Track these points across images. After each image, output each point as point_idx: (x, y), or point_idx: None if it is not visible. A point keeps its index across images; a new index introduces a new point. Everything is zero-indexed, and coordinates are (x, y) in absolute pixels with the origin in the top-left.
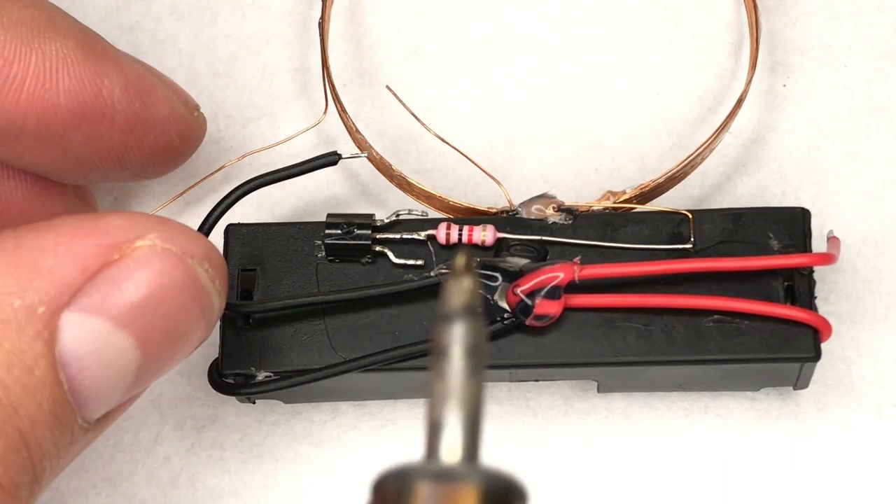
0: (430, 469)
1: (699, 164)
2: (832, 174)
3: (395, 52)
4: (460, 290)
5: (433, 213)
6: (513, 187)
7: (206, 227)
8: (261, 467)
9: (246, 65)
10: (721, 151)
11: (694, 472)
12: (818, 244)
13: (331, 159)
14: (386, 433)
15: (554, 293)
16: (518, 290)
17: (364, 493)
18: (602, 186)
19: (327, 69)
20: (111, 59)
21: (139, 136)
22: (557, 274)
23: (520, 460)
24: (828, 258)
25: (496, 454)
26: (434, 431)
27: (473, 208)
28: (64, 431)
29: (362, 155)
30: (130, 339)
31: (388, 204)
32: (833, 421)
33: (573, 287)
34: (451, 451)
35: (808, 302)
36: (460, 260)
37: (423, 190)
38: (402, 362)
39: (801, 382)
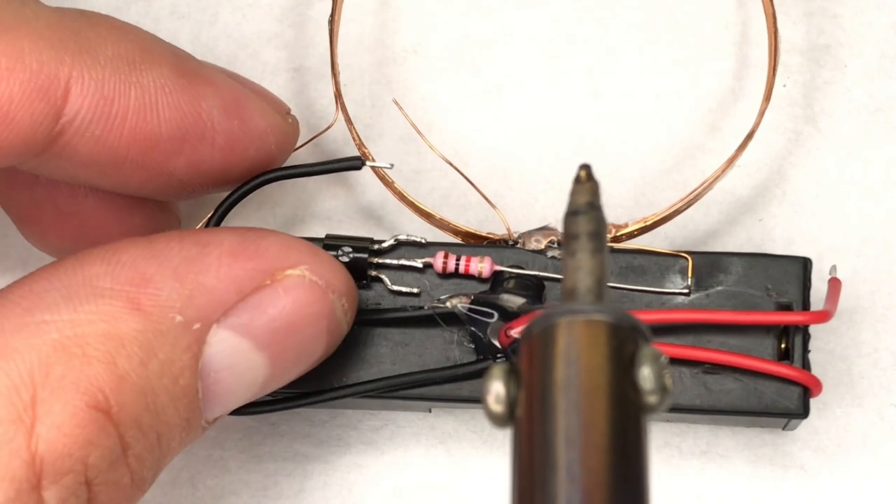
0: (568, 308)
1: (703, 195)
2: (832, 174)
3: (396, 52)
4: (584, 190)
5: (432, 237)
6: (512, 186)
7: (215, 220)
8: (261, 467)
9: (246, 65)
10: None
11: (693, 472)
12: (819, 281)
13: (354, 164)
14: (386, 433)
15: None
16: (511, 332)
17: (365, 495)
18: (602, 187)
19: (336, 74)
20: (206, 79)
21: (240, 152)
22: None
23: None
24: (823, 316)
25: (494, 476)
26: (568, 293)
27: (473, 233)
28: (189, 433)
29: (388, 166)
30: (265, 359)
31: (387, 206)
32: (833, 421)
33: None
34: (583, 300)
35: (802, 356)
36: (583, 171)
37: (423, 210)
38: (396, 391)
39: (789, 427)
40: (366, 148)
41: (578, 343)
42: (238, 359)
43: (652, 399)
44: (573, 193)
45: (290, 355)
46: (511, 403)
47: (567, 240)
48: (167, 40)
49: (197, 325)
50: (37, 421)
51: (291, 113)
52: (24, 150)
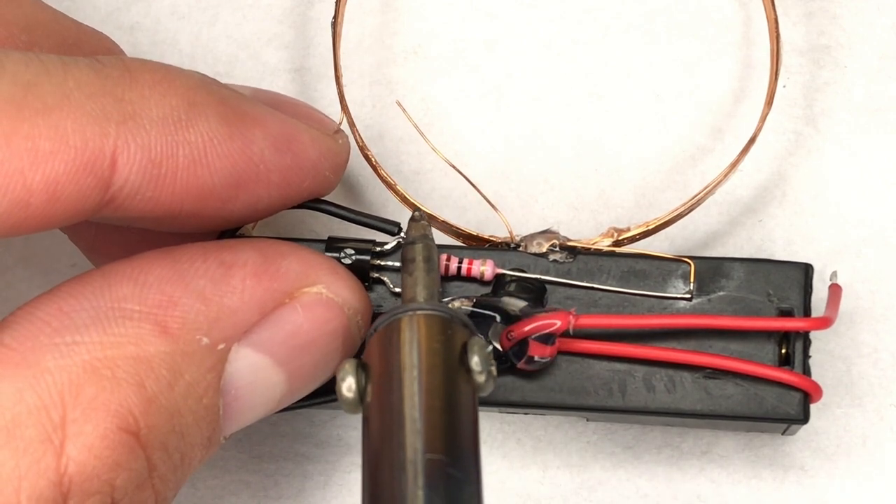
0: (409, 307)
1: (706, 199)
2: (832, 175)
3: (396, 53)
4: (418, 227)
5: (434, 239)
6: (512, 187)
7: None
8: (261, 467)
9: (246, 65)
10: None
11: (693, 472)
12: (819, 282)
13: (390, 229)
14: None
15: (548, 339)
16: (513, 335)
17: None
18: (601, 187)
19: (339, 77)
20: (254, 121)
21: (296, 185)
22: (554, 322)
23: (515, 479)
24: (824, 322)
25: (494, 476)
26: (409, 301)
27: (475, 235)
28: (209, 450)
29: (429, 239)
30: (283, 375)
31: (389, 207)
32: (833, 422)
33: (567, 332)
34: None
35: (802, 362)
36: (416, 213)
37: (426, 212)
38: None
39: (789, 432)
40: (369, 151)
41: (419, 332)
42: (258, 375)
43: (481, 378)
44: (409, 229)
45: (307, 371)
46: (361, 391)
47: (405, 263)
48: (167, 41)
49: (221, 346)
50: (66, 441)
51: (340, 128)
52: (75, 217)
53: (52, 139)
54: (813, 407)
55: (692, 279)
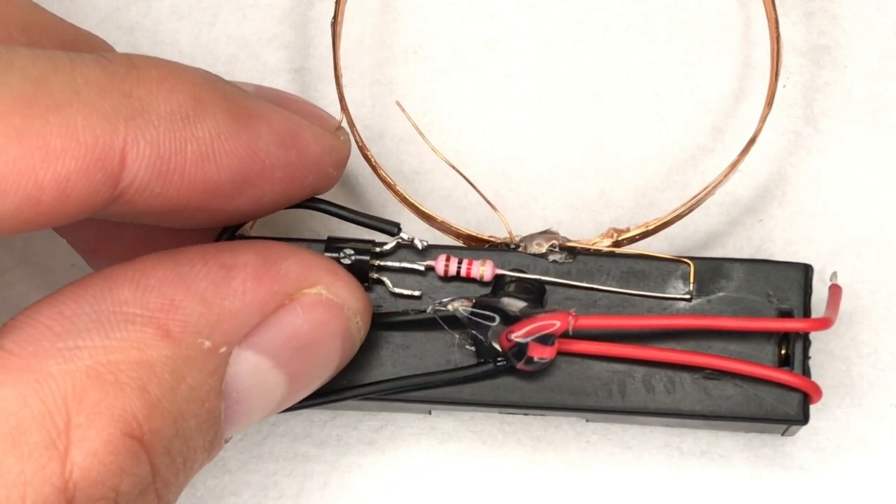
0: None
1: (705, 199)
2: (832, 174)
3: (396, 53)
4: None
5: (433, 239)
6: (513, 187)
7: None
8: (261, 467)
9: (246, 65)
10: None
11: (693, 472)
12: (818, 282)
13: (390, 229)
14: (386, 433)
15: (547, 339)
16: (512, 336)
17: (365, 495)
18: (601, 187)
19: (338, 77)
20: (259, 117)
21: (300, 181)
22: (553, 322)
23: (515, 479)
24: (824, 323)
25: (494, 476)
26: None
27: (474, 236)
28: (211, 453)
29: (424, 243)
30: (284, 377)
31: (388, 207)
32: (833, 421)
33: (566, 333)
34: None
35: (802, 362)
36: None
37: (425, 212)
38: (397, 394)
39: (788, 433)
40: (368, 151)
41: None
42: (259, 378)
43: None
44: None
45: (307, 372)
46: None
47: None
48: (167, 41)
49: (223, 349)
50: (71, 447)
51: (342, 125)
52: (84, 213)
53: (64, 136)
54: (813, 407)
55: (692, 280)
